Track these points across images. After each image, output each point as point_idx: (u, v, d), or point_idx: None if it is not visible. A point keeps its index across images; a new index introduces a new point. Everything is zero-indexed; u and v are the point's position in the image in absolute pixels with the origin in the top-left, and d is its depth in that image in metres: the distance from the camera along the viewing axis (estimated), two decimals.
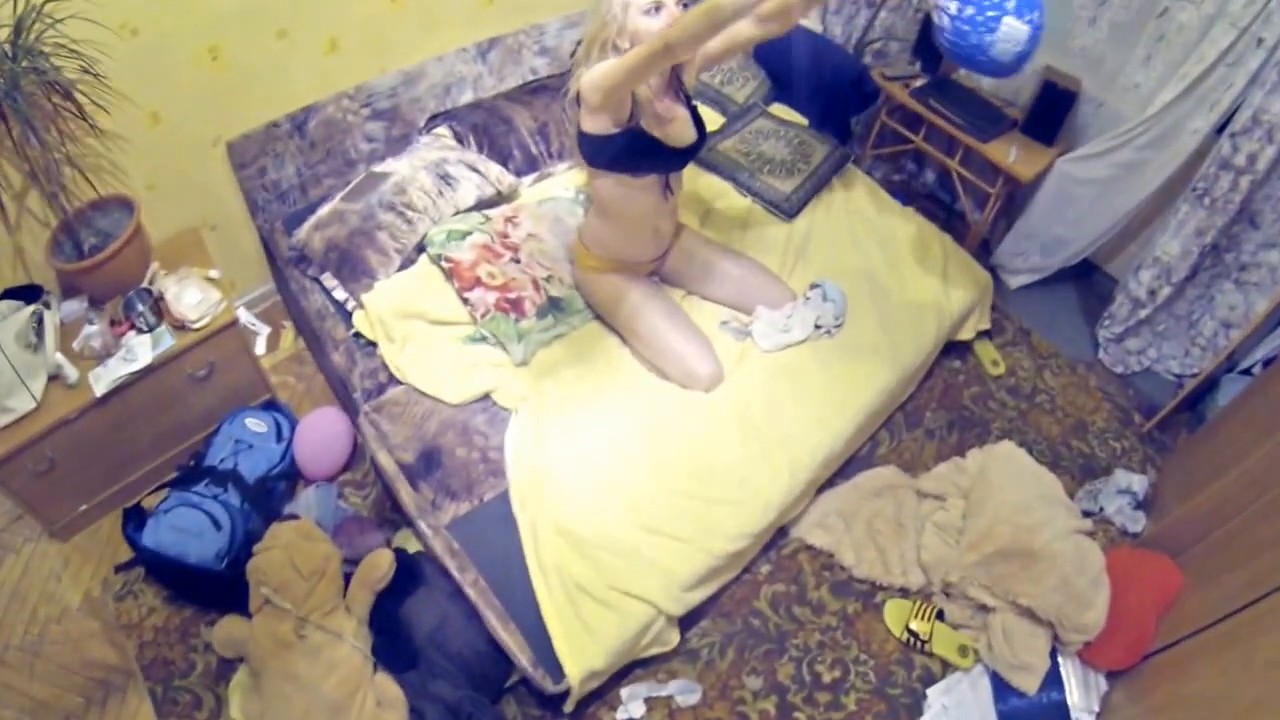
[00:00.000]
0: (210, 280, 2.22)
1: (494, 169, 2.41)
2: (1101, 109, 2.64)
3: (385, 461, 1.98)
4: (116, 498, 2.25)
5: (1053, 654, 2.12)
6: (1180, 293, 2.58)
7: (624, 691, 1.99)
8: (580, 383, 2.13)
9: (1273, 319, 2.33)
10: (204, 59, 2.08)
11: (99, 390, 2.01)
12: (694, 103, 2.05)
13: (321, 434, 2.30)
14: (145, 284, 2.18)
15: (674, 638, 1.95)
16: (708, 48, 2.05)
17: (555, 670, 1.72)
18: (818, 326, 2.31)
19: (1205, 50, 2.22)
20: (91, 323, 2.08)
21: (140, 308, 2.10)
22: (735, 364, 2.23)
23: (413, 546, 2.11)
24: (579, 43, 2.67)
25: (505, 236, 2.26)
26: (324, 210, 2.30)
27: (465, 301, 2.17)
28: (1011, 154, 2.65)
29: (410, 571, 1.97)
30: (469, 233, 2.24)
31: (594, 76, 1.76)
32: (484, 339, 2.17)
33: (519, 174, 2.54)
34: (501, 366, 2.14)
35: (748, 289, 2.35)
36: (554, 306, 2.21)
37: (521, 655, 1.71)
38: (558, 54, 2.77)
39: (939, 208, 3.33)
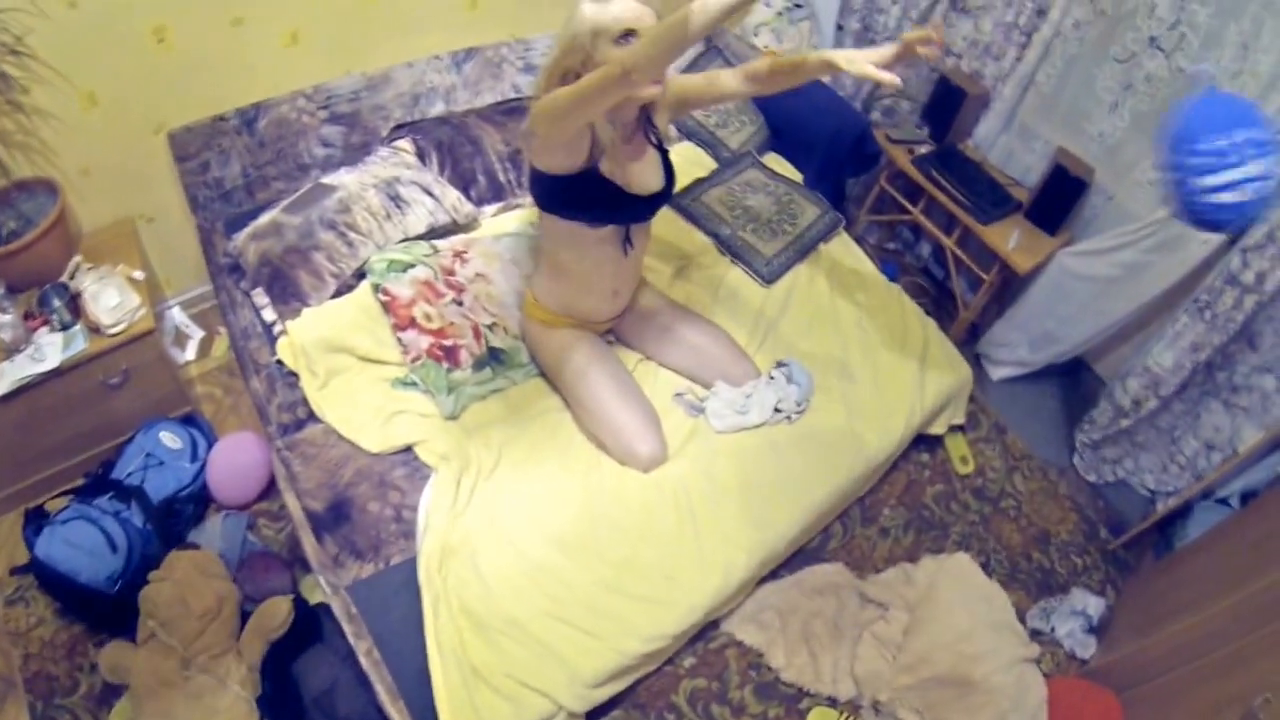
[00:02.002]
0: (133, 282, 2.15)
1: (451, 194, 2.33)
2: (1111, 203, 2.60)
3: (293, 506, 1.91)
4: (21, 496, 2.21)
5: None
6: (1166, 406, 2.54)
7: None
8: (511, 446, 2.07)
9: (1260, 450, 2.28)
10: (149, 40, 2.02)
11: (0, 389, 1.96)
12: (665, 147, 1.98)
13: (238, 459, 2.24)
14: (65, 278, 2.11)
15: None
16: (686, 94, 1.99)
17: None
18: (777, 410, 2.24)
19: None
20: (4, 311, 2.02)
21: (56, 304, 2.05)
22: (683, 442, 2.16)
23: (316, 596, 2.06)
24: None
25: (451, 274, 2.19)
26: (263, 219, 2.23)
27: (399, 341, 2.10)
28: (1012, 240, 2.60)
29: (308, 624, 1.95)
30: (411, 265, 2.16)
31: (542, 103, 1.64)
32: (414, 384, 2.11)
33: (481, 202, 2.47)
34: (429, 418, 2.07)
35: (709, 361, 2.27)
36: (494, 359, 2.15)
37: None
38: None
39: (931, 283, 3.28)
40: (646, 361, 2.32)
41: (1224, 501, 2.36)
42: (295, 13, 2.15)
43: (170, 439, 2.22)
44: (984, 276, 2.75)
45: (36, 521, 2.07)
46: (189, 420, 2.31)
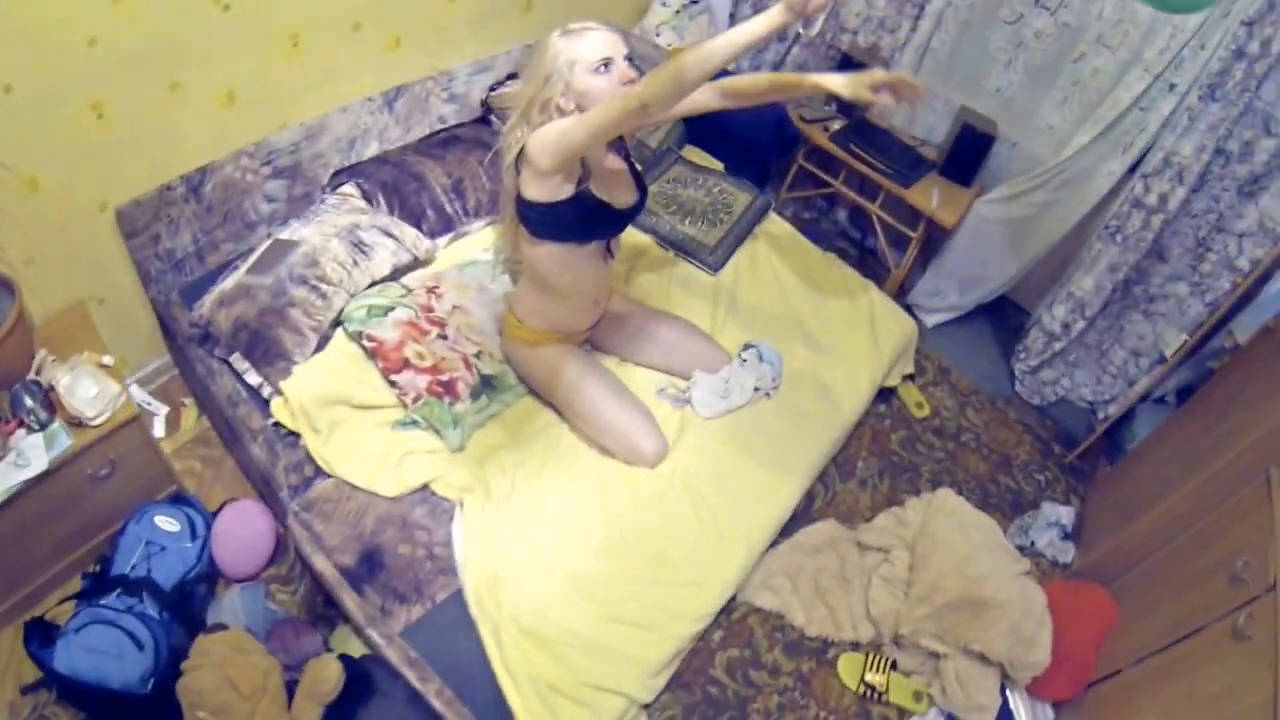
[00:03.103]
0: (104, 368, 2.07)
1: (409, 233, 2.35)
2: (1017, 150, 2.84)
3: (324, 567, 1.91)
4: (15, 610, 2.09)
5: (1002, 690, 2.27)
6: (1092, 325, 2.81)
7: None
8: (522, 467, 2.12)
9: (1184, 353, 2.57)
10: (88, 117, 1.94)
11: None
12: (633, 160, 2.07)
13: (243, 530, 2.19)
14: (32, 375, 2.01)
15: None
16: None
17: None
18: (756, 389, 2.38)
19: (1120, 95, 2.42)
20: None
21: (30, 403, 1.94)
22: (677, 434, 2.26)
23: (354, 648, 2.04)
24: (490, 89, 2.68)
25: (430, 310, 2.21)
26: (227, 284, 2.18)
27: (393, 384, 2.11)
28: (935, 198, 2.80)
29: (360, 679, 1.91)
30: (391, 308, 2.17)
31: (547, 138, 1.70)
32: (414, 423, 2.12)
33: (433, 235, 2.48)
34: (436, 453, 2.09)
35: (682, 353, 2.38)
36: (486, 385, 2.18)
37: None
38: (467, 100, 2.73)
39: (851, 245, 3.48)
40: (623, 364, 2.40)
41: (1161, 400, 2.64)
42: (228, 71, 2.10)
43: (166, 522, 2.14)
44: (911, 234, 2.96)
45: (41, 634, 1.96)
46: (179, 500, 2.23)
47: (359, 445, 2.06)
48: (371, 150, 2.53)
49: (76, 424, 1.98)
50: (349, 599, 1.87)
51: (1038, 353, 2.94)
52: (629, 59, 1.80)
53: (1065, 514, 2.63)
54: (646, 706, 1.95)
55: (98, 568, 2.12)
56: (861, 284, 2.79)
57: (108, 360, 2.10)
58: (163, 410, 2.48)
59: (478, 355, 2.20)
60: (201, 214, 2.24)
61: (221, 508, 2.24)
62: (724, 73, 1.77)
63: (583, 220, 1.89)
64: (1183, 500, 2.22)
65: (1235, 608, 1.85)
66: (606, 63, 1.74)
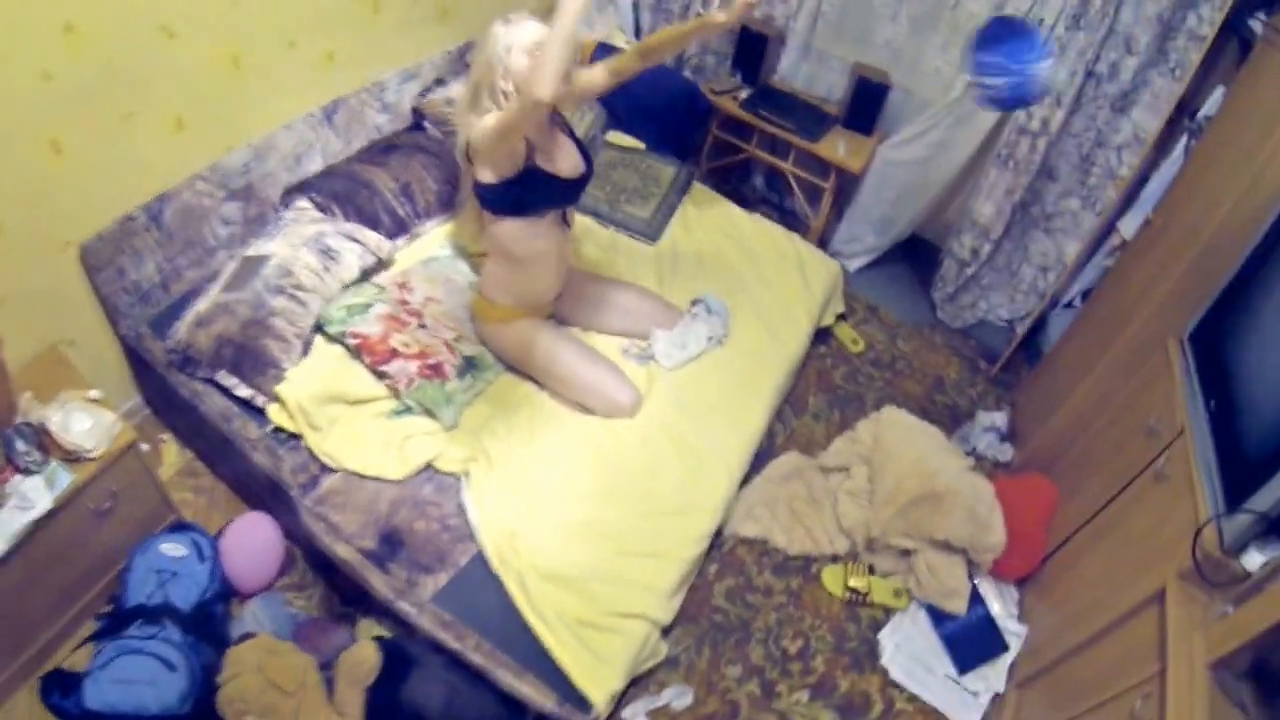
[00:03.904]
0: (94, 401, 2.09)
1: (372, 237, 2.45)
2: (910, 97, 3.12)
3: (347, 554, 2.00)
4: (27, 668, 2.06)
5: (970, 577, 2.52)
6: (998, 248, 3.11)
7: (625, 712, 2.15)
8: (514, 435, 2.25)
9: (1082, 259, 2.88)
10: (45, 154, 1.96)
11: None
12: (575, 134, 2.24)
13: (249, 544, 2.23)
14: (20, 419, 2.01)
15: (664, 648, 2.14)
16: (584, 89, 2.24)
17: (578, 704, 1.85)
18: (709, 338, 2.59)
19: None
20: None
21: (23, 446, 1.93)
22: (647, 386, 2.45)
23: (379, 632, 2.13)
24: (420, 96, 2.79)
25: (405, 304, 2.33)
26: (202, 305, 2.24)
27: (382, 375, 2.22)
28: (841, 149, 3.06)
29: (397, 656, 1.97)
30: (369, 305, 2.28)
31: (480, 134, 1.91)
32: (408, 410, 2.22)
33: (391, 237, 2.58)
34: (434, 434, 2.21)
35: (640, 315, 2.57)
36: (469, 366, 2.31)
37: (546, 700, 1.83)
38: (399, 109, 2.83)
39: (771, 209, 3.71)
40: (587, 332, 2.56)
41: (1069, 305, 2.95)
42: (176, 97, 2.14)
43: (172, 548, 2.16)
44: (823, 184, 3.21)
45: (60, 684, 1.96)
46: (180, 527, 2.25)
47: (359, 437, 2.16)
48: (316, 165, 2.61)
49: (73, 460, 2.00)
50: (376, 579, 1.97)
51: (953, 280, 3.23)
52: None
53: (999, 418, 2.92)
54: (666, 632, 2.12)
55: (111, 606, 2.13)
56: (786, 235, 3.04)
57: (95, 394, 2.12)
58: (142, 449, 2.49)
59: (456, 339, 2.33)
60: (164, 242, 2.29)
61: (224, 528, 2.28)
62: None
63: (534, 192, 2.07)
64: (1097, 383, 2.52)
65: (1154, 457, 2.12)
66: (540, 45, 1.93)
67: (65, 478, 1.96)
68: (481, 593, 1.98)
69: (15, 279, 2.06)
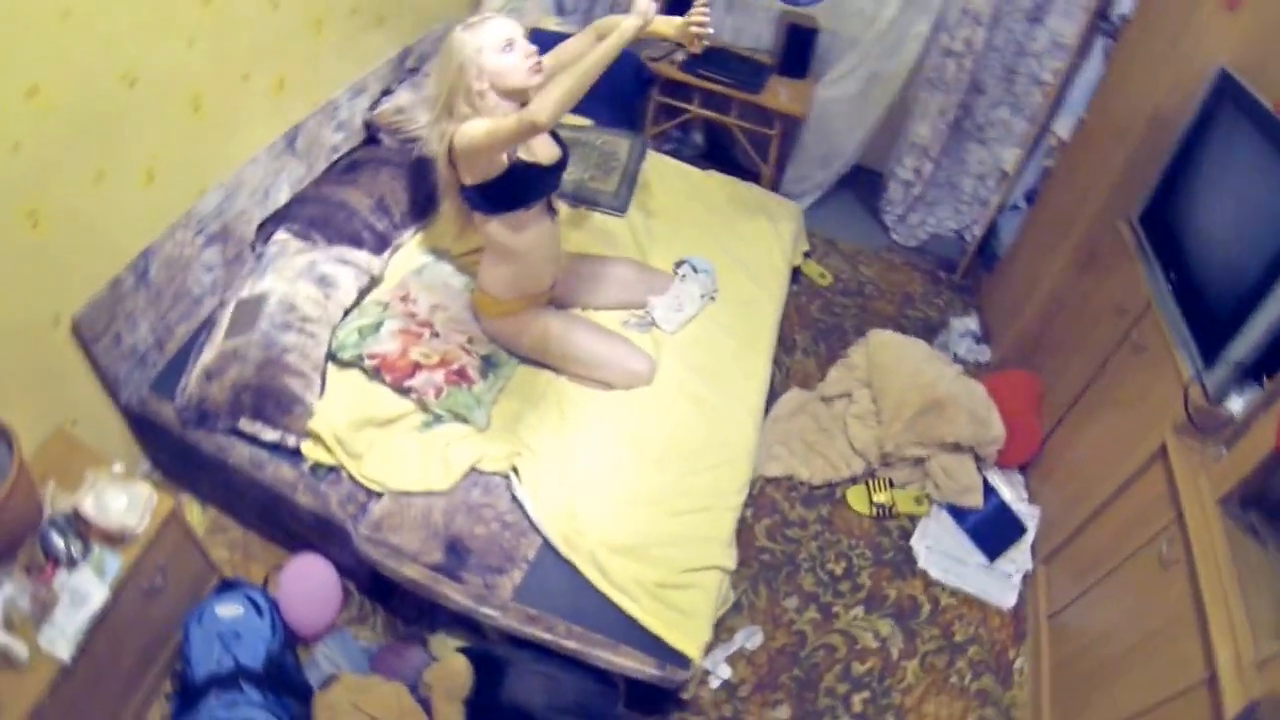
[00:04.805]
0: (120, 476, 1.98)
1: (361, 256, 2.37)
2: (837, 37, 3.17)
3: (415, 573, 1.97)
4: None
5: (979, 471, 2.65)
6: (939, 165, 3.21)
7: (705, 664, 2.19)
8: (546, 423, 2.23)
9: (1021, 163, 3.01)
10: (24, 227, 1.80)
11: (65, 653, 1.67)
12: None
13: (306, 587, 2.14)
14: (50, 512, 1.89)
15: (732, 594, 2.19)
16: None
17: (677, 662, 1.87)
18: (701, 295, 2.61)
19: None
20: (2, 584, 1.73)
21: (62, 541, 1.77)
22: (655, 352, 2.44)
23: (454, 644, 2.08)
24: (370, 110, 2.70)
25: (413, 316, 2.27)
26: (207, 357, 2.13)
27: (407, 391, 2.17)
28: (782, 96, 3.10)
29: (485, 661, 1.94)
30: (379, 323, 2.22)
31: (464, 148, 1.91)
32: (438, 419, 2.18)
33: (375, 254, 2.49)
34: (468, 438, 2.16)
35: (633, 285, 2.56)
36: (488, 365, 2.27)
37: (647, 666, 1.85)
38: (352, 126, 2.72)
39: (715, 164, 3.72)
40: (585, 311, 2.54)
41: (1015, 207, 3.09)
42: (144, 148, 1.99)
43: (228, 610, 2.02)
44: (769, 133, 3.26)
45: None
46: (226, 587, 2.14)
47: (399, 456, 2.09)
48: (284, 195, 2.49)
49: (118, 541, 1.88)
50: (451, 590, 1.94)
51: (900, 202, 3.33)
52: (529, 36, 2.00)
53: (971, 322, 3.05)
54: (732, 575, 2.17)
55: (178, 684, 2.01)
56: (745, 185, 3.07)
57: (119, 468, 2.00)
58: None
59: (470, 342, 2.28)
60: (154, 301, 2.16)
61: (269, 577, 2.20)
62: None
63: (521, 186, 2.04)
64: (1060, 275, 2.64)
65: (1126, 332, 2.24)
66: (510, 43, 1.95)
67: (114, 561, 1.82)
68: (556, 580, 1.96)
69: (11, 366, 1.90)
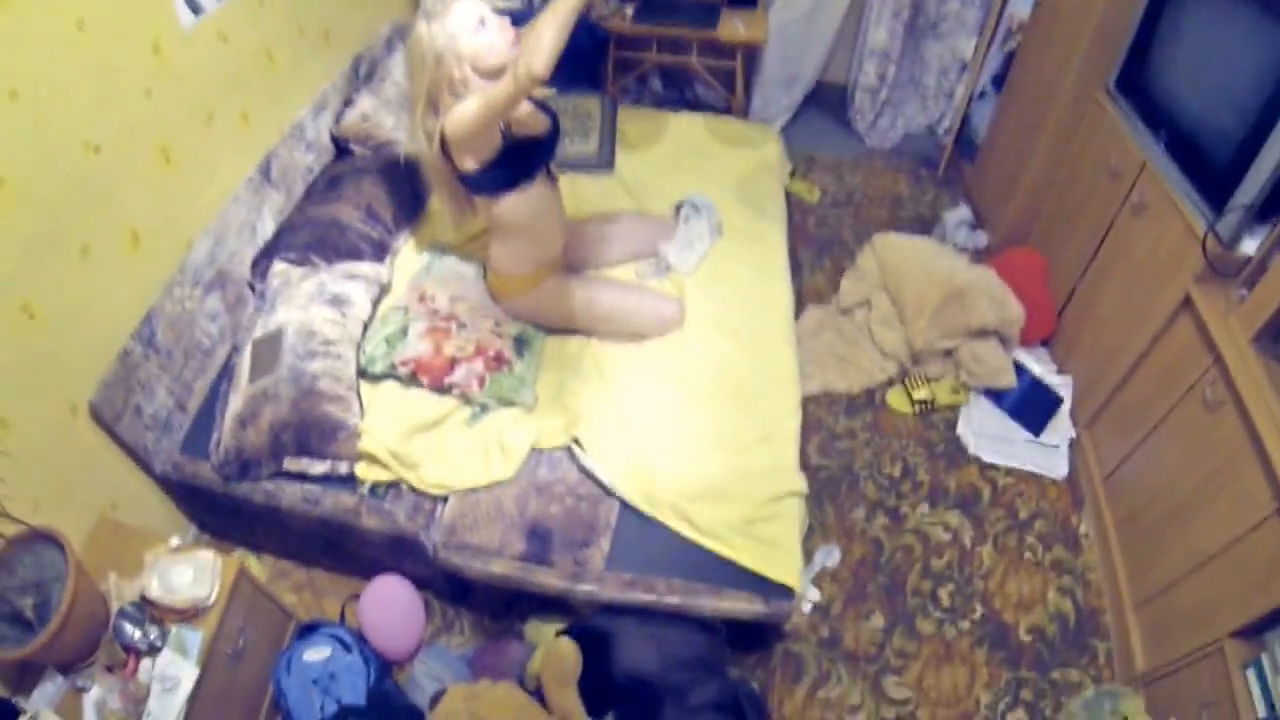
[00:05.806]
0: (178, 550, 1.87)
1: (365, 268, 2.24)
2: None
3: (504, 568, 1.89)
4: None
5: (1006, 352, 2.63)
6: (899, 66, 3.15)
7: None
8: (589, 386, 2.15)
9: (982, 51, 2.94)
10: (21, 321, 1.67)
11: None
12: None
13: (389, 611, 2.05)
14: (116, 605, 1.74)
15: (806, 517, 2.15)
16: None
17: (781, 595, 1.83)
18: (710, 230, 2.52)
19: None
20: (86, 689, 1.64)
21: (136, 631, 1.67)
22: (678, 295, 2.37)
23: (549, 630, 2.00)
24: (335, 123, 2.57)
25: (436, 313, 2.17)
26: (236, 405, 2.01)
27: (448, 388, 2.07)
28: (740, 28, 3.01)
29: (589, 638, 1.87)
30: (404, 328, 2.11)
31: (462, 126, 1.80)
32: (483, 410, 2.09)
33: (377, 262, 2.38)
34: (519, 420, 2.07)
35: (640, 236, 2.48)
36: (521, 343, 2.18)
37: (754, 604, 1.80)
38: (320, 144, 2.57)
39: (679, 104, 3.63)
40: (599, 269, 2.45)
41: (983, 95, 3.04)
42: (122, 213, 1.85)
43: (315, 654, 1.92)
44: (731, 65, 3.17)
45: None
46: (305, 631, 2.04)
47: (454, 455, 2.00)
48: (270, 226, 2.36)
49: (192, 615, 1.76)
50: (544, 576, 1.87)
51: (869, 108, 3.27)
52: (499, 10, 1.88)
53: (963, 211, 3.00)
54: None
55: None
56: (720, 119, 2.98)
57: (175, 542, 1.89)
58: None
59: (497, 325, 2.18)
60: (165, 363, 2.03)
61: (346, 608, 2.13)
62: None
63: (521, 161, 1.95)
64: (1046, 152, 2.58)
65: (1125, 195, 2.19)
66: (481, 20, 1.82)
67: (194, 636, 1.72)
68: (643, 540, 1.90)
69: (40, 468, 1.75)
